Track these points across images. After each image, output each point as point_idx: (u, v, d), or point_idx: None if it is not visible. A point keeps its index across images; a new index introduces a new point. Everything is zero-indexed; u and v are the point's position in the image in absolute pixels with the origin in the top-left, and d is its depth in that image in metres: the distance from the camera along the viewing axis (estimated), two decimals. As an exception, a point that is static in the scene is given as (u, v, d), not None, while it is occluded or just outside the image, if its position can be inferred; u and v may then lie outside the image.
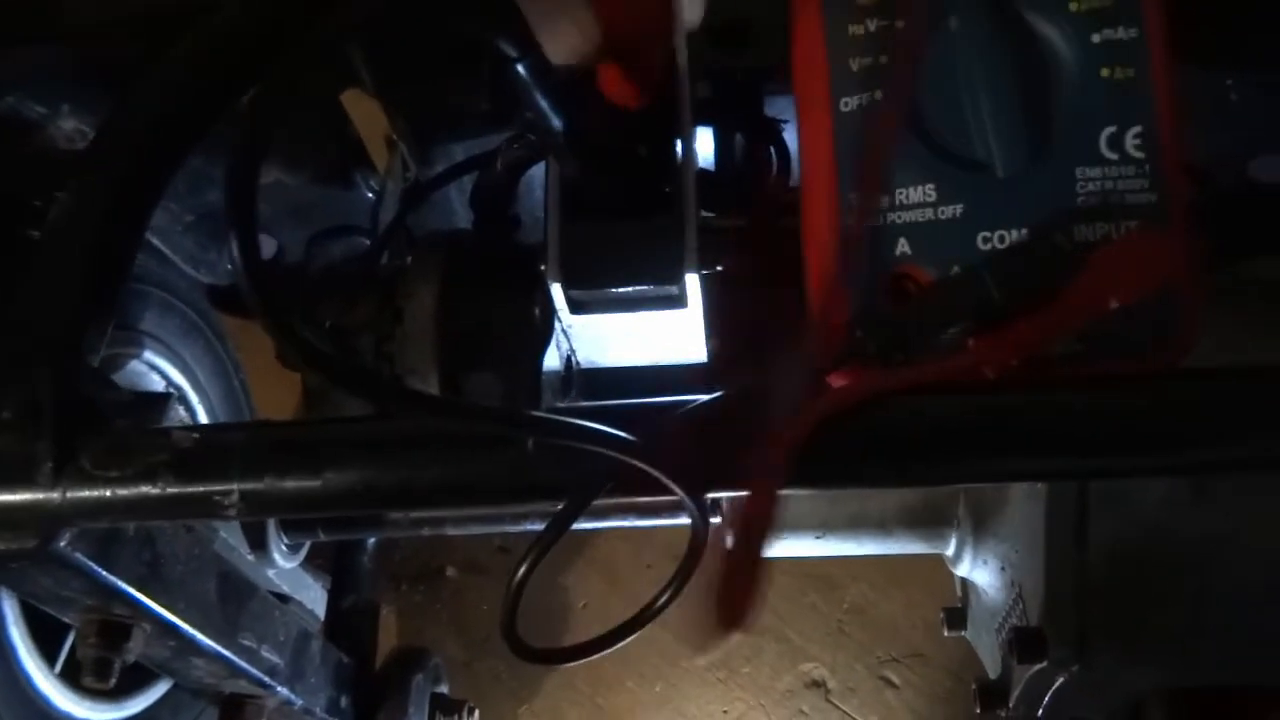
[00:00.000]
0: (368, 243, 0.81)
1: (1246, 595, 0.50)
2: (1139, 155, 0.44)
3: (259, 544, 0.68)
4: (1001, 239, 0.44)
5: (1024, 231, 0.44)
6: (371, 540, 0.95)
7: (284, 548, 0.71)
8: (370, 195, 0.85)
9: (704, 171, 0.67)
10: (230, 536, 0.70)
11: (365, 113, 0.80)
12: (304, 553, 0.75)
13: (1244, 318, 0.58)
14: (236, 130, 0.30)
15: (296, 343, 0.29)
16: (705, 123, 0.67)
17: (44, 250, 0.50)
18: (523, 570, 0.43)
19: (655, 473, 0.39)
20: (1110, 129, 0.44)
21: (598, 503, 0.44)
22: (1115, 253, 0.41)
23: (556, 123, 0.41)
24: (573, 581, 1.18)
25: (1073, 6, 0.44)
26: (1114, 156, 0.44)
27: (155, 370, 0.81)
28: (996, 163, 0.44)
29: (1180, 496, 0.50)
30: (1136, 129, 0.44)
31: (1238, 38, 0.64)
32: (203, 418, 0.86)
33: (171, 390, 0.82)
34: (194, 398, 0.85)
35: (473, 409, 0.40)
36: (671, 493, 0.40)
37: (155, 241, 0.82)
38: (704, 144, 0.67)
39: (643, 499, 0.53)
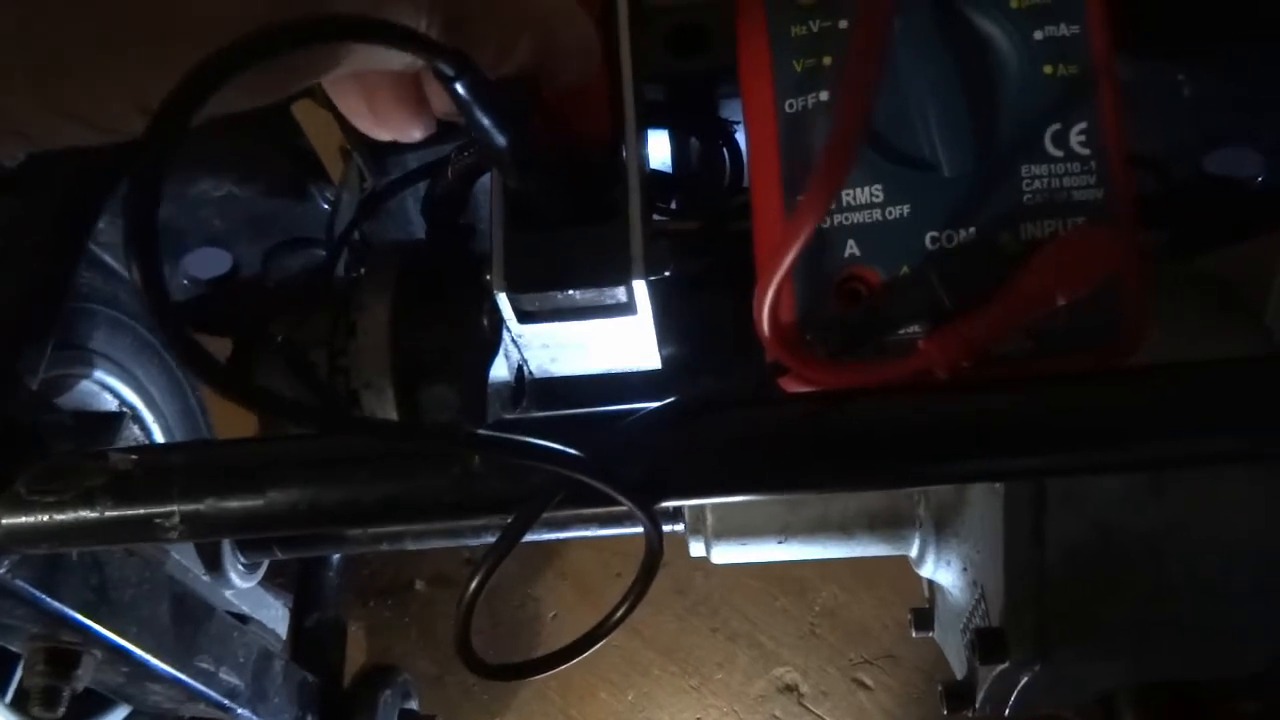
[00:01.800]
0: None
1: (1203, 587, 0.50)
2: (1084, 152, 0.44)
3: (214, 564, 0.67)
4: (949, 238, 0.44)
5: (972, 231, 0.44)
6: (336, 556, 0.94)
7: (240, 567, 0.70)
8: (326, 207, 0.84)
9: (659, 174, 0.67)
10: (184, 558, 0.69)
11: (318, 124, 0.79)
12: (262, 571, 0.74)
13: (1197, 312, 0.59)
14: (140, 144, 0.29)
15: (202, 362, 0.28)
16: (659, 126, 0.66)
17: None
18: (473, 586, 0.42)
19: (602, 486, 0.39)
20: (1055, 126, 0.44)
21: (554, 514, 0.43)
22: (1060, 249, 0.41)
23: (499, 138, 0.40)
24: (542, 593, 1.18)
25: (1014, 4, 0.44)
26: (1059, 153, 0.44)
27: (107, 390, 0.79)
28: (942, 162, 0.44)
29: (1135, 492, 0.50)
30: (1081, 125, 0.44)
31: (1189, 30, 0.64)
32: (159, 436, 0.84)
33: (124, 410, 0.80)
34: (149, 416, 0.84)
35: (413, 428, 0.39)
36: (620, 504, 0.40)
37: (105, 258, 0.80)
38: (660, 147, 0.67)
39: (598, 510, 0.53)
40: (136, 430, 0.83)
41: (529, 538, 0.48)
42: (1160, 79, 0.68)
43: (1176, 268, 0.70)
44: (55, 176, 0.52)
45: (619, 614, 0.47)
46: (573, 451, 0.38)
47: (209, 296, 0.83)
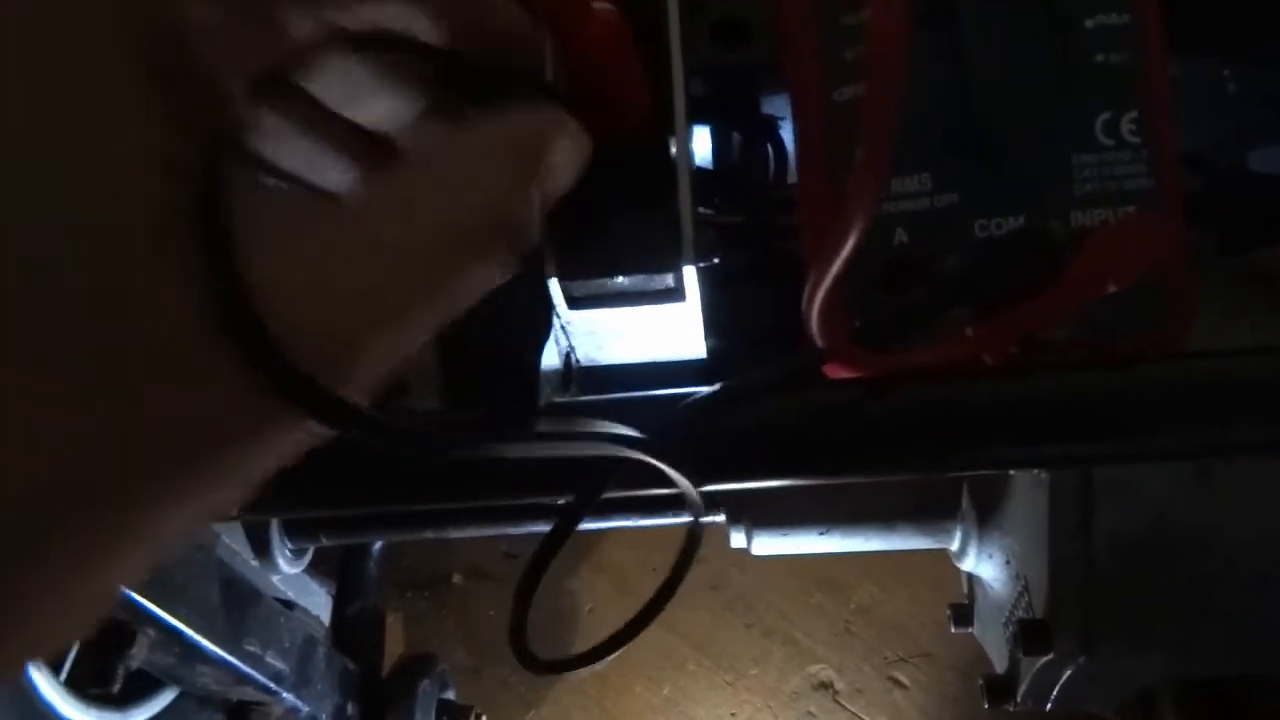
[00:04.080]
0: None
1: (1250, 580, 0.50)
2: (1135, 140, 0.44)
3: (262, 549, 0.68)
4: (999, 226, 0.44)
5: (1021, 219, 0.44)
6: (377, 546, 0.95)
7: (288, 553, 0.71)
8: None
9: (702, 169, 0.68)
10: (234, 543, 0.70)
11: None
12: (308, 558, 0.75)
13: (1244, 301, 0.58)
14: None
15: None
16: (702, 121, 0.67)
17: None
18: (531, 567, 0.43)
19: (662, 465, 0.39)
20: (1106, 115, 0.44)
21: (603, 499, 0.43)
22: (1111, 236, 0.41)
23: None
24: (579, 587, 1.18)
25: (1065, -8, 0.44)
26: (1110, 142, 0.44)
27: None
28: (992, 151, 0.44)
29: (1183, 483, 0.50)
30: (1132, 114, 0.44)
31: (1234, 27, 0.64)
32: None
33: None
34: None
35: (473, 425, 0.39)
36: (674, 485, 0.40)
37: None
38: (702, 143, 0.67)
39: (643, 493, 0.53)
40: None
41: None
42: (1204, 76, 0.67)
43: (1237, 265, 0.69)
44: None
45: (660, 597, 0.47)
46: (633, 432, 0.38)
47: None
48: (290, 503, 0.44)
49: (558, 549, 0.46)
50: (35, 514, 0.20)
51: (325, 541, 0.73)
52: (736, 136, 0.68)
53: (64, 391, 0.20)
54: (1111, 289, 0.40)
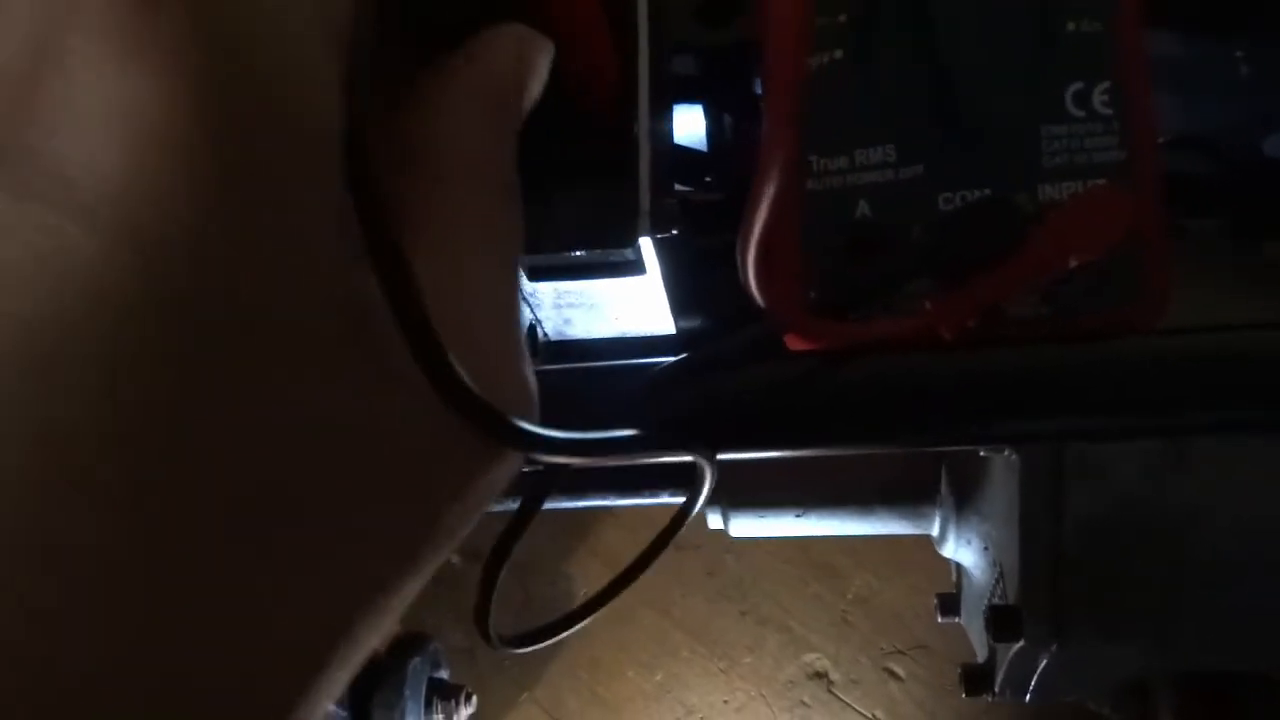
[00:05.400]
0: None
1: (1226, 570, 0.49)
2: (1107, 112, 0.43)
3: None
4: (964, 199, 0.43)
5: (987, 191, 0.43)
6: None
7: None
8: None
9: (690, 150, 0.67)
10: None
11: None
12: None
13: (1233, 281, 0.57)
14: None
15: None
16: (691, 100, 0.66)
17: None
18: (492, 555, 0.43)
19: (675, 454, 0.39)
20: (1077, 85, 0.43)
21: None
22: (1076, 209, 0.40)
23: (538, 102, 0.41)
24: (574, 570, 1.18)
25: (1036, -43, 0.43)
26: (1081, 113, 0.43)
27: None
28: (959, 122, 0.43)
29: (1158, 465, 0.48)
30: (1104, 84, 0.43)
31: (1247, 5, 0.62)
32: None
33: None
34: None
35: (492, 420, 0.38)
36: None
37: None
38: (694, 122, 0.67)
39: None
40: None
41: (552, 506, 0.48)
42: (1215, 56, 0.66)
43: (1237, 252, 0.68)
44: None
45: (631, 573, 0.47)
46: (632, 433, 0.38)
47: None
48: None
49: (522, 530, 0.46)
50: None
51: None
52: (727, 117, 0.68)
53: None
54: (1074, 263, 0.39)
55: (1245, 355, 0.40)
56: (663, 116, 0.52)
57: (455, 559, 1.36)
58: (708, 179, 0.68)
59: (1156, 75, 0.56)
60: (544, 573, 1.18)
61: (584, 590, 1.18)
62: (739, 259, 0.41)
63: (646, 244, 0.44)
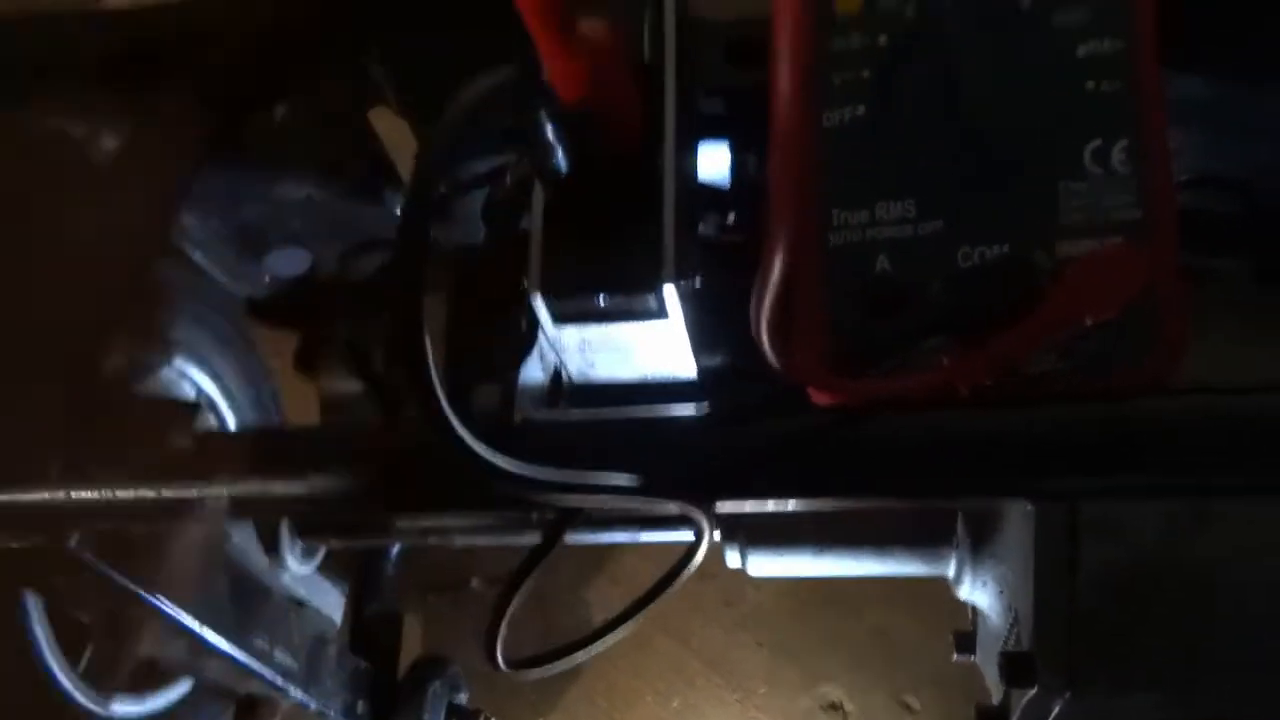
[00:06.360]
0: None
1: (1246, 627, 0.49)
2: (1125, 170, 0.43)
3: (272, 548, 0.70)
4: (983, 255, 0.44)
5: (1005, 248, 0.44)
6: (395, 549, 0.96)
7: (298, 553, 0.73)
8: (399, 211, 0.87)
9: (713, 188, 0.68)
10: (244, 542, 0.72)
11: (393, 130, 0.82)
12: (319, 558, 0.77)
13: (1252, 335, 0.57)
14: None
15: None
16: (717, 138, 0.67)
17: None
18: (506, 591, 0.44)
19: (669, 505, 0.40)
20: (1096, 143, 0.44)
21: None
22: (1089, 267, 0.40)
23: (563, 162, 0.43)
24: (594, 598, 1.19)
25: (1057, 20, 0.44)
26: (1099, 171, 0.44)
27: (186, 378, 0.83)
28: (978, 178, 0.44)
29: (1177, 522, 0.49)
30: (1123, 143, 0.44)
31: (1274, 50, 0.62)
32: (232, 425, 0.88)
33: (200, 399, 0.84)
34: (224, 405, 0.88)
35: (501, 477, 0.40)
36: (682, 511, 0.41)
37: (195, 255, 0.84)
38: (719, 159, 0.68)
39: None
40: (211, 418, 0.87)
41: (574, 539, 0.49)
42: (1247, 99, 0.65)
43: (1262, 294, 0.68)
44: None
45: (638, 608, 0.48)
46: (621, 480, 0.39)
47: (289, 293, 0.87)
48: (275, 507, 0.45)
49: (540, 561, 0.47)
50: None
51: (334, 543, 0.75)
52: (753, 156, 0.69)
53: None
54: (1089, 321, 0.40)
55: (1262, 417, 0.40)
56: (688, 157, 0.53)
57: (476, 583, 1.37)
58: (730, 217, 0.69)
59: (1186, 115, 0.56)
60: (563, 601, 1.19)
61: (603, 617, 1.19)
62: (752, 314, 0.42)
63: (670, 290, 0.45)
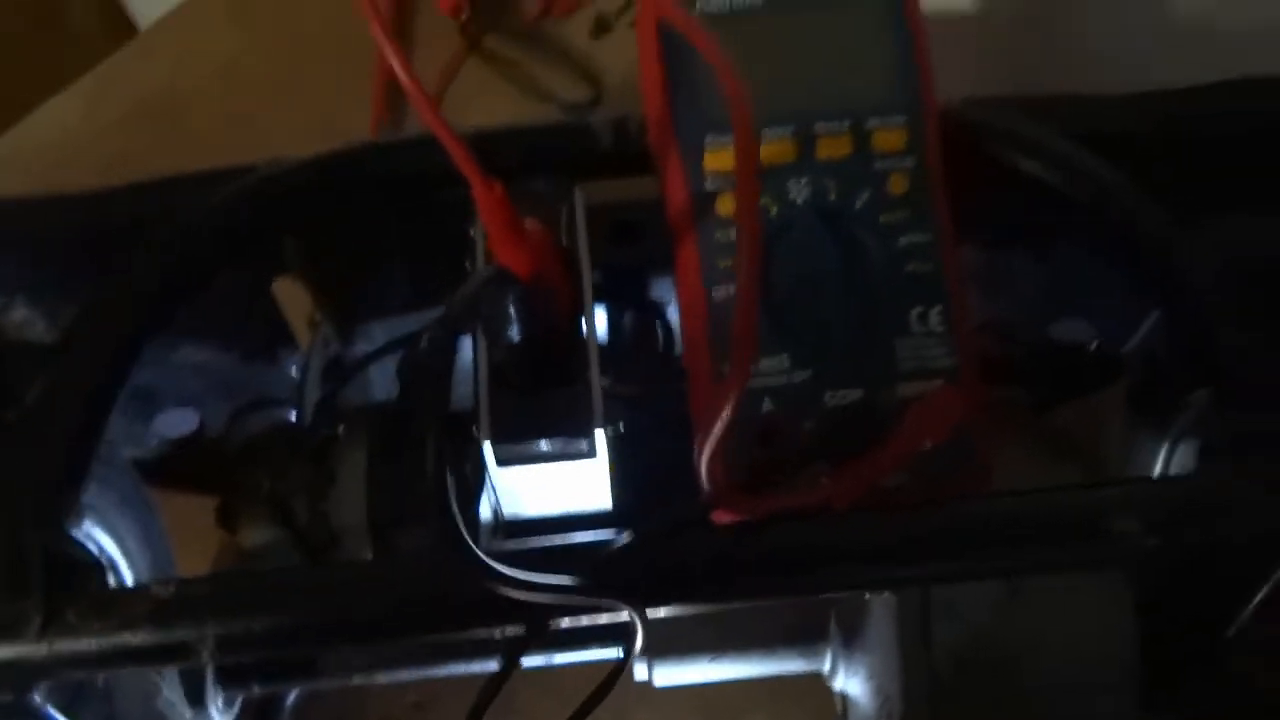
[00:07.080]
0: (286, 415, 0.89)
1: (1058, 695, 0.61)
2: (940, 329, 0.57)
3: (198, 699, 0.72)
4: (843, 397, 0.56)
5: (860, 391, 0.56)
6: (290, 699, 0.98)
7: (220, 703, 0.75)
8: (293, 372, 0.93)
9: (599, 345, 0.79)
10: (170, 693, 0.74)
11: (291, 296, 0.88)
12: (237, 707, 0.79)
13: (1036, 451, 0.72)
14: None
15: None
16: (599, 304, 0.79)
17: (28, 427, 0.57)
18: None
19: (604, 602, 0.49)
20: (918, 309, 0.57)
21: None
22: (925, 405, 0.53)
23: (516, 334, 0.53)
24: (522, 705, 1.21)
25: (883, 219, 0.58)
26: (922, 330, 0.57)
27: (91, 540, 0.85)
28: (835, 338, 0.56)
29: (999, 599, 0.61)
30: (937, 308, 0.57)
31: (1037, 231, 0.79)
32: (130, 583, 0.89)
33: (102, 560, 0.86)
34: (123, 565, 0.89)
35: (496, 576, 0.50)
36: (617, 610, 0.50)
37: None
38: (599, 323, 0.79)
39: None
40: (111, 580, 0.87)
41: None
42: (1011, 265, 0.83)
43: (1034, 419, 0.83)
44: (89, 349, 0.61)
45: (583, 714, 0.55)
46: (575, 580, 0.48)
47: (176, 455, 0.90)
48: (260, 644, 0.51)
49: (500, 687, 0.54)
50: None
51: (257, 690, 0.77)
52: (628, 318, 0.80)
53: None
54: (928, 445, 0.52)
55: (1050, 510, 0.54)
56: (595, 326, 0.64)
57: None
58: (612, 371, 0.80)
59: (972, 279, 0.72)
60: (495, 715, 1.20)
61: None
62: (695, 450, 0.52)
63: (599, 434, 0.54)
